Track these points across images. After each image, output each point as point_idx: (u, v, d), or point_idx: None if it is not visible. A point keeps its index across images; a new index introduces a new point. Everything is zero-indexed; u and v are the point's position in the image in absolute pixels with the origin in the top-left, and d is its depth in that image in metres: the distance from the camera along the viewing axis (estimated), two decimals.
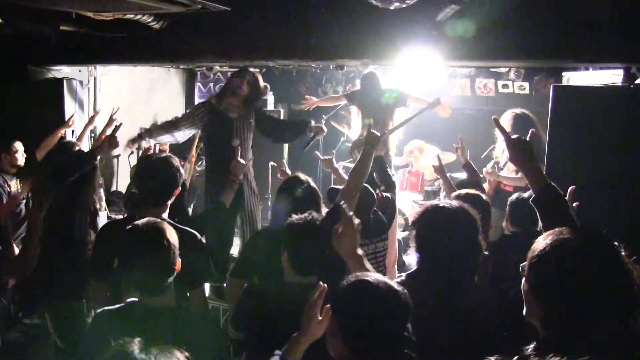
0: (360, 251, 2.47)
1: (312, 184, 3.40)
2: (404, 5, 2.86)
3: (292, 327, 2.47)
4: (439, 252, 2.16)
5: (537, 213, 2.03)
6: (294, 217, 2.76)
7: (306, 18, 4.32)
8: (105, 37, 4.63)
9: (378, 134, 3.15)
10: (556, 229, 1.57)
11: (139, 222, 2.22)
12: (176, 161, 2.93)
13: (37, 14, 4.10)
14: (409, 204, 6.60)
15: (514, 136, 2.17)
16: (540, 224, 3.11)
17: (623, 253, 1.48)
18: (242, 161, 3.72)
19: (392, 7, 2.94)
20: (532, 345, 1.47)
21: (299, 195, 3.24)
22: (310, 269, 2.65)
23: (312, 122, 5.22)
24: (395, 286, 1.79)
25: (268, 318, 2.53)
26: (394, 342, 1.77)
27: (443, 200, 2.37)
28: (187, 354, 1.30)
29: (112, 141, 3.71)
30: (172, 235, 2.18)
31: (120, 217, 4.37)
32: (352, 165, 5.85)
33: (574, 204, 2.52)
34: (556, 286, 1.47)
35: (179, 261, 2.18)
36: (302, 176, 3.42)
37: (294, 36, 4.43)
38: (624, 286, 1.44)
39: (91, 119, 5.26)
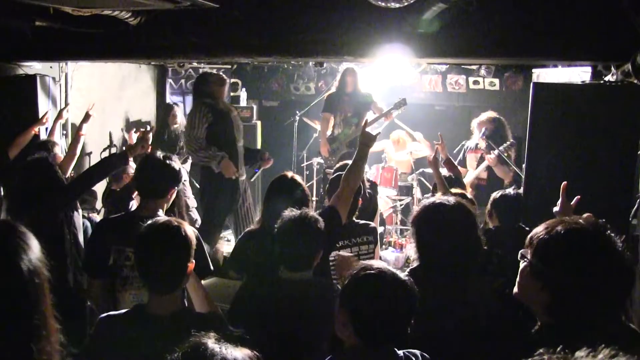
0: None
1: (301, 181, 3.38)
2: (399, 5, 2.89)
3: (286, 323, 2.51)
4: (441, 249, 2.18)
5: None
6: (286, 213, 2.78)
7: (287, 15, 4.33)
8: (81, 32, 4.54)
9: (373, 133, 3.11)
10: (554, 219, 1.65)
11: (159, 218, 2.23)
12: (179, 164, 3.01)
13: (13, 8, 3.98)
14: (382, 199, 6.68)
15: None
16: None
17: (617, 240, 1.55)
18: None
19: (389, 5, 2.96)
20: (535, 329, 1.55)
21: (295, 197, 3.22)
22: (301, 264, 2.67)
23: (267, 154, 5.38)
24: (403, 277, 1.84)
25: (263, 314, 2.55)
26: (402, 332, 1.82)
27: (441, 197, 2.41)
28: (257, 353, 1.32)
29: (144, 144, 3.71)
30: (190, 234, 2.16)
31: (116, 215, 4.39)
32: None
33: (575, 199, 2.57)
34: (560, 271, 1.53)
35: (192, 263, 2.17)
36: (290, 175, 3.37)
37: (275, 33, 4.43)
38: (621, 269, 1.52)
39: (60, 114, 5.18)
